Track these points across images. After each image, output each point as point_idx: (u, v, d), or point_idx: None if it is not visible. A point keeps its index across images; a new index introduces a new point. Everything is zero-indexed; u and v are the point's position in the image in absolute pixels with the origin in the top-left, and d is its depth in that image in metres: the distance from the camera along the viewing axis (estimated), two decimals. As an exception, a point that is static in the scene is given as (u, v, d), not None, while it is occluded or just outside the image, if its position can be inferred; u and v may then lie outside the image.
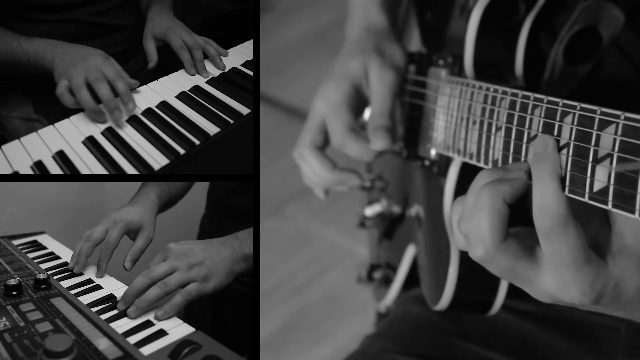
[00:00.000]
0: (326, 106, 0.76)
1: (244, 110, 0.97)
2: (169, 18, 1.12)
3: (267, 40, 2.50)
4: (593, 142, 0.44)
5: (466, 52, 0.66)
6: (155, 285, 0.77)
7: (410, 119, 0.76)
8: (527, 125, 0.51)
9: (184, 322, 0.75)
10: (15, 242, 1.16)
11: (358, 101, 0.76)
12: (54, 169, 0.79)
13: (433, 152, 0.71)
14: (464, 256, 0.67)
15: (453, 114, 0.65)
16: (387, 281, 0.88)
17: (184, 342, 0.68)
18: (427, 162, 0.73)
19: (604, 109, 0.43)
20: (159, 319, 0.75)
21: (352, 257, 1.77)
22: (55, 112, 0.92)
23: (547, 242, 0.46)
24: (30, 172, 0.79)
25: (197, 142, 0.87)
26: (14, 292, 0.82)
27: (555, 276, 0.47)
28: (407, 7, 0.87)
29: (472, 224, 0.49)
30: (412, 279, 0.82)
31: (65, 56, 0.92)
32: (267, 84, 2.24)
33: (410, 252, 0.82)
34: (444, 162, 0.70)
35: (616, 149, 0.42)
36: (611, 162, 0.42)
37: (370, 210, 0.92)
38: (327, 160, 0.78)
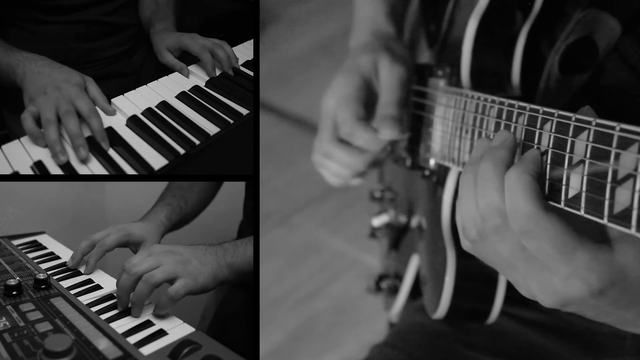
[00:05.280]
0: (336, 99, 0.76)
1: (244, 110, 0.97)
2: (177, 32, 1.11)
3: (273, 50, 2.51)
4: (568, 149, 0.44)
5: (463, 62, 0.66)
6: (141, 281, 0.76)
7: (413, 129, 0.77)
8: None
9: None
10: (15, 242, 1.16)
11: (367, 94, 0.76)
12: (54, 169, 0.79)
13: (432, 162, 0.72)
14: (460, 265, 0.67)
15: (449, 123, 0.65)
16: (394, 291, 0.89)
17: (183, 342, 0.68)
18: (427, 172, 0.73)
19: (578, 116, 0.44)
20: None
21: (360, 266, 1.77)
22: None
23: (527, 240, 0.45)
24: (30, 172, 0.79)
25: (197, 142, 0.87)
26: (14, 292, 0.82)
27: (551, 273, 0.45)
28: (417, 20, 0.87)
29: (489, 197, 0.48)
30: (418, 289, 0.82)
31: (37, 77, 0.86)
32: (273, 94, 2.25)
33: (414, 262, 0.83)
34: (442, 172, 0.70)
35: (588, 155, 0.42)
36: (583, 169, 0.42)
37: (378, 221, 0.92)
38: (353, 147, 0.76)
